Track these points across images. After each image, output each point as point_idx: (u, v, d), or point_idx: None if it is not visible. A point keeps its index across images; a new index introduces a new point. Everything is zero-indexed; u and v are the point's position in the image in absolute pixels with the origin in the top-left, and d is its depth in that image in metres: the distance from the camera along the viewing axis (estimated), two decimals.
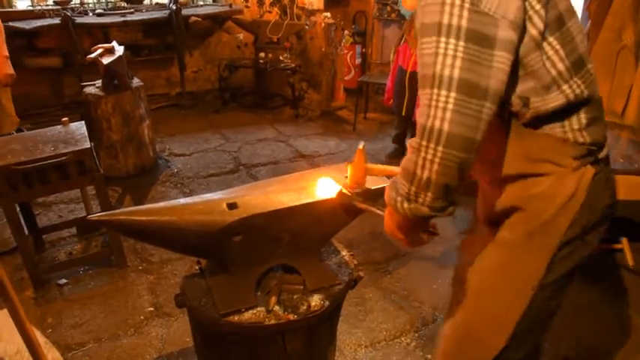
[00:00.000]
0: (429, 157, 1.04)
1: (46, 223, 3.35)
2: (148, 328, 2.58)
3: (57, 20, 4.87)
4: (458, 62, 1.00)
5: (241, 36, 5.96)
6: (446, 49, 1.01)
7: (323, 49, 5.53)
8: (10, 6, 5.18)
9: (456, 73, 1.00)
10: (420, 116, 1.07)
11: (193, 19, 5.62)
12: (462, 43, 1.00)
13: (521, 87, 1.14)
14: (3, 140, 2.74)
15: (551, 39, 1.12)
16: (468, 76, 1.00)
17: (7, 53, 3.23)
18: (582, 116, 1.17)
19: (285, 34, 5.59)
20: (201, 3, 6.02)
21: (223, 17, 5.87)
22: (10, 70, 3.25)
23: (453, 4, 1.00)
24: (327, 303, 1.60)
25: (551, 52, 1.12)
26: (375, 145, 4.87)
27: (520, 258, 1.27)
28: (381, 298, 2.81)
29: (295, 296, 1.62)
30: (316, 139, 5.08)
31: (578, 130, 1.17)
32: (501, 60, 1.02)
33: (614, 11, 3.51)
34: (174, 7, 5.31)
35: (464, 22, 1.00)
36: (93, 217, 1.45)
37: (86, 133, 2.79)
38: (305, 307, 1.58)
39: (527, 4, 1.07)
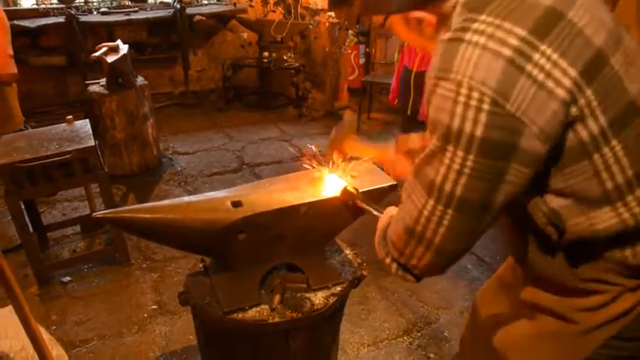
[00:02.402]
0: (416, 257, 1.00)
1: (50, 221, 3.37)
2: (151, 326, 2.59)
3: (61, 19, 4.89)
4: (462, 179, 0.87)
5: (245, 35, 5.96)
6: (452, 160, 0.87)
7: (327, 49, 5.52)
8: (15, 4, 5.20)
9: (458, 191, 0.88)
10: (408, 215, 0.98)
11: (198, 18, 5.63)
12: (471, 157, 0.85)
13: (553, 203, 0.95)
14: (8, 138, 2.75)
15: (614, 142, 0.87)
16: (471, 196, 0.88)
17: (11, 52, 3.22)
18: None
19: (289, 33, 5.59)
20: (206, 2, 6.03)
21: (227, 16, 5.88)
22: (13, 70, 3.24)
23: (467, 104, 0.82)
24: (330, 302, 1.61)
25: (611, 160, 0.88)
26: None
27: (542, 353, 1.13)
28: (383, 298, 2.81)
29: (299, 295, 1.62)
30: (320, 139, 5.08)
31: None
32: (517, 174, 0.86)
33: (618, 13, 3.50)
34: (178, 6, 5.32)
35: (478, 131, 0.82)
36: (97, 214, 1.46)
37: (90, 132, 2.80)
38: (308, 306, 1.58)
39: (580, 101, 0.84)
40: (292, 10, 5.67)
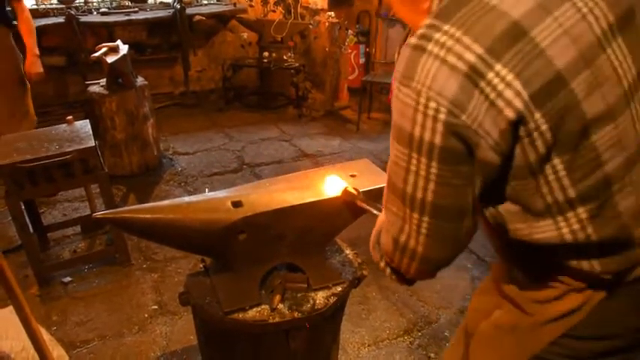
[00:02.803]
0: (405, 265, 1.02)
1: (50, 221, 3.37)
2: (152, 326, 2.59)
3: (61, 19, 4.89)
4: (431, 186, 0.89)
5: (245, 35, 5.96)
6: (418, 167, 0.89)
7: (327, 49, 5.52)
8: None
9: (429, 197, 0.90)
10: (391, 225, 1.00)
11: (197, 18, 5.63)
12: (434, 164, 0.87)
13: (499, 207, 0.97)
14: (8, 138, 2.75)
15: (556, 161, 0.88)
16: (443, 202, 0.90)
17: (37, 52, 3.28)
18: (593, 252, 0.95)
19: (289, 33, 5.59)
20: (206, 2, 6.03)
21: (227, 16, 5.88)
22: (40, 69, 3.30)
23: (425, 113, 0.85)
24: (330, 301, 1.61)
25: (551, 177, 0.90)
26: (379, 145, 4.87)
27: (500, 344, 1.15)
28: (384, 297, 2.81)
29: (299, 294, 1.62)
30: (320, 139, 5.08)
31: (585, 260, 0.95)
32: (476, 179, 0.90)
33: None
34: (178, 6, 5.32)
35: (437, 139, 0.85)
36: (98, 214, 1.46)
37: (90, 132, 2.80)
38: (309, 306, 1.58)
39: (529, 124, 0.84)
40: (292, 10, 5.67)
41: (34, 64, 3.23)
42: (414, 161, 0.89)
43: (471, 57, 0.82)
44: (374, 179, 1.66)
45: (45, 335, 1.74)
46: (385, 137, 5.10)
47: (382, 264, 1.11)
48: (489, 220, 1.01)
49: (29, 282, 2.86)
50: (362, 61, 5.86)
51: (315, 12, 5.60)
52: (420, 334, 2.56)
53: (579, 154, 0.89)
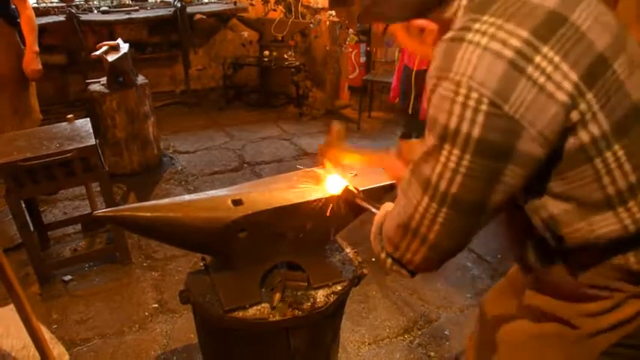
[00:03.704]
0: (411, 251, 1.01)
1: (51, 220, 3.37)
2: (152, 325, 2.59)
3: (62, 17, 4.89)
4: (458, 178, 0.87)
5: (246, 34, 5.96)
6: (448, 159, 0.87)
7: (327, 48, 5.52)
8: None
9: (453, 189, 0.88)
10: (403, 211, 0.98)
11: (198, 16, 5.63)
12: (467, 157, 0.85)
13: (551, 208, 0.93)
14: (9, 137, 2.75)
15: (616, 147, 0.86)
16: (466, 195, 0.88)
17: (37, 49, 3.29)
18: None
19: (290, 32, 5.58)
20: (206, 1, 6.03)
21: (228, 15, 5.87)
22: (39, 66, 3.31)
23: (465, 104, 0.82)
24: (331, 300, 1.61)
25: (613, 165, 0.87)
26: (380, 144, 4.87)
27: (543, 355, 1.12)
28: (384, 296, 2.81)
29: (299, 293, 1.62)
30: (320, 138, 5.08)
31: None
32: (513, 176, 0.86)
33: (619, 10, 3.50)
34: (179, 5, 5.32)
35: (475, 131, 0.83)
36: (99, 212, 1.46)
37: (91, 130, 2.80)
38: (309, 304, 1.58)
39: (580, 105, 0.83)
40: (293, 9, 5.67)
41: (32, 61, 3.24)
42: (445, 153, 0.87)
43: (516, 42, 0.81)
44: (374, 178, 1.66)
45: (45, 333, 1.74)
46: (386, 136, 5.11)
47: (383, 255, 1.10)
48: (539, 228, 0.97)
49: (30, 280, 2.86)
50: (362, 60, 5.86)
51: (316, 11, 5.59)
52: (420, 332, 2.56)
53: (635, 137, 0.88)
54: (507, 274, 1.44)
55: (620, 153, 0.87)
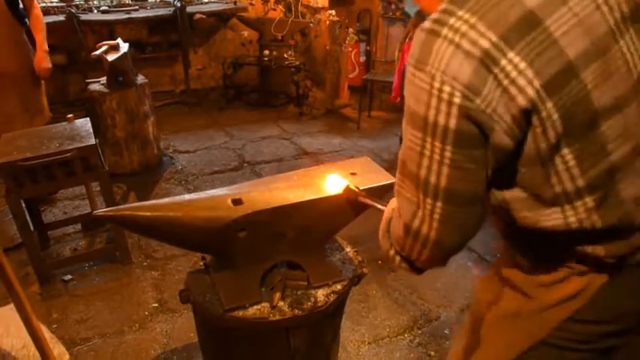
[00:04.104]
0: (416, 252, 1.02)
1: (51, 220, 3.37)
2: (152, 324, 2.59)
3: (62, 17, 4.89)
4: (444, 170, 0.89)
5: (246, 33, 5.96)
6: (432, 151, 0.89)
7: (327, 47, 5.52)
8: None
9: (443, 182, 0.90)
10: (404, 211, 0.99)
11: (198, 16, 5.63)
12: (449, 148, 0.87)
13: (507, 193, 0.97)
14: (9, 136, 2.75)
15: (565, 151, 0.89)
16: (456, 187, 0.90)
17: (47, 48, 3.32)
18: (597, 237, 0.96)
19: (290, 31, 5.58)
20: (206, 0, 6.03)
21: (228, 15, 5.87)
22: (49, 64, 3.34)
23: (440, 97, 0.85)
24: (331, 299, 1.61)
25: (561, 167, 0.91)
26: (379, 144, 4.87)
27: (507, 331, 1.16)
28: (384, 295, 2.81)
29: (299, 292, 1.63)
30: (320, 137, 5.08)
31: (589, 245, 0.97)
32: (494, 162, 0.90)
33: None
34: (178, 5, 5.32)
35: (452, 123, 0.85)
36: (99, 212, 1.46)
37: (91, 130, 2.80)
38: (309, 303, 1.58)
39: (541, 112, 0.85)
40: (293, 9, 5.67)
41: (43, 60, 3.29)
42: (428, 145, 0.89)
43: (485, 43, 0.83)
44: (374, 177, 1.66)
45: (46, 333, 1.74)
46: (386, 135, 5.10)
47: (392, 252, 1.11)
48: (495, 206, 1.01)
49: (30, 280, 2.86)
50: (362, 59, 5.86)
51: (316, 10, 5.59)
52: (420, 332, 2.56)
53: (588, 144, 0.90)
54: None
55: (569, 157, 0.90)
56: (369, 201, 1.47)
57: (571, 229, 0.94)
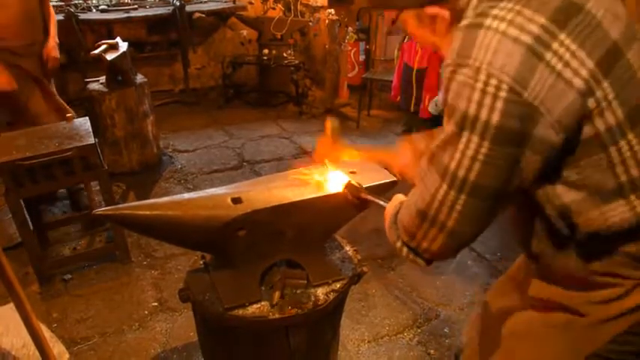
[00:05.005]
0: (428, 239, 1.01)
1: (50, 219, 3.37)
2: (152, 323, 2.59)
3: (60, 16, 4.86)
4: (476, 166, 0.87)
5: (245, 32, 5.95)
6: (466, 146, 0.87)
7: (327, 46, 5.52)
8: None
9: (472, 176, 0.88)
10: (421, 199, 0.98)
11: (197, 15, 5.63)
12: (486, 144, 0.85)
13: (564, 197, 0.93)
14: (8, 136, 2.75)
15: (630, 136, 0.87)
16: (484, 182, 0.89)
17: (57, 40, 3.32)
18: None
19: (289, 30, 5.58)
20: None
21: (227, 13, 5.87)
22: (58, 55, 3.35)
23: (484, 91, 0.82)
24: (330, 298, 1.61)
25: (628, 154, 0.88)
26: (379, 143, 4.88)
27: (552, 343, 1.12)
28: (384, 294, 2.82)
29: (299, 291, 1.63)
30: (320, 136, 5.07)
31: None
32: (530, 162, 0.87)
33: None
34: (178, 4, 5.31)
35: (494, 118, 0.83)
36: (98, 211, 1.46)
37: (90, 129, 2.80)
38: (309, 302, 1.58)
39: (596, 93, 0.84)
40: (292, 8, 5.67)
41: (53, 49, 3.30)
42: (464, 140, 0.87)
43: (534, 28, 0.82)
44: (374, 176, 1.66)
45: (45, 332, 1.74)
46: (385, 134, 5.10)
47: (399, 244, 1.10)
48: (552, 217, 0.98)
49: (30, 279, 2.86)
50: (362, 58, 5.86)
51: (315, 9, 5.59)
52: (419, 330, 2.57)
53: None
54: (508, 270, 1.44)
55: (635, 142, 0.88)
56: (371, 197, 1.47)
57: None
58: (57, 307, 2.69)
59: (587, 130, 0.87)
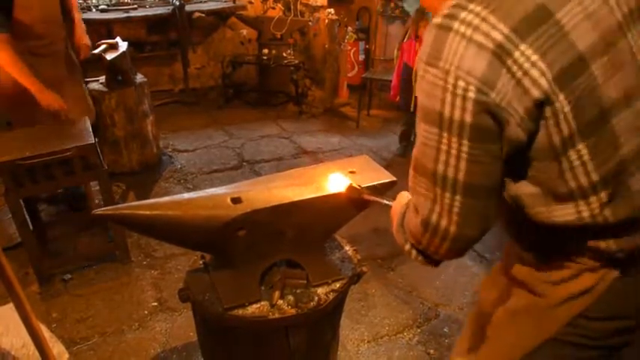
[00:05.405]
0: (434, 246, 1.01)
1: (50, 219, 3.36)
2: (152, 323, 2.59)
3: None
4: (462, 164, 0.89)
5: (245, 32, 5.95)
6: (449, 146, 0.89)
7: (326, 46, 5.52)
8: None
9: (461, 176, 0.90)
10: (420, 207, 0.99)
11: (197, 15, 5.62)
12: (465, 142, 0.87)
13: (520, 188, 0.97)
14: (8, 136, 2.75)
15: (580, 146, 0.89)
16: (474, 180, 0.90)
17: (84, 26, 3.31)
18: (609, 232, 0.96)
19: (289, 30, 5.58)
20: None
21: (227, 13, 5.86)
22: (89, 42, 3.32)
23: (454, 93, 0.85)
24: (330, 298, 1.61)
25: (576, 163, 0.90)
26: (379, 142, 4.88)
27: (517, 328, 1.16)
28: (384, 294, 2.82)
29: (299, 291, 1.63)
30: (319, 136, 5.08)
31: (602, 240, 0.97)
32: (508, 154, 0.91)
33: None
34: (177, 3, 5.31)
35: (467, 118, 0.85)
36: (98, 211, 1.46)
37: (90, 129, 2.79)
38: (308, 302, 1.58)
39: (554, 104, 0.85)
40: (292, 7, 5.67)
41: (84, 36, 3.27)
42: (445, 140, 0.89)
43: (497, 35, 0.83)
44: (374, 176, 1.66)
45: (45, 332, 1.74)
46: (385, 134, 5.10)
47: (407, 246, 1.11)
48: (508, 201, 1.01)
49: (29, 279, 2.86)
50: (361, 58, 5.86)
51: (315, 9, 5.59)
52: (419, 330, 2.57)
53: (600, 138, 0.90)
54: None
55: (584, 152, 0.90)
56: (373, 197, 1.47)
57: (584, 223, 0.94)
58: (56, 307, 2.69)
59: (541, 137, 0.89)
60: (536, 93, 0.84)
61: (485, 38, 0.84)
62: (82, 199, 3.38)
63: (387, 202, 1.40)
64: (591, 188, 0.92)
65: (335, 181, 1.57)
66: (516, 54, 0.83)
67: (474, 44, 0.84)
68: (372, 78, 5.30)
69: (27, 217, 2.75)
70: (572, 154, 0.90)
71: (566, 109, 0.86)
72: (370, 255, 3.11)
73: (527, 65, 0.84)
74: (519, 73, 0.84)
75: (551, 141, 0.88)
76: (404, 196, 1.27)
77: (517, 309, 1.14)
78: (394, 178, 1.67)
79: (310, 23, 5.61)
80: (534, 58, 0.84)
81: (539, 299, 1.08)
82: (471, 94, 0.84)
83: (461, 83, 0.84)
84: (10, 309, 1.73)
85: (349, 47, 5.67)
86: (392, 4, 5.49)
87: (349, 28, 5.52)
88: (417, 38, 3.96)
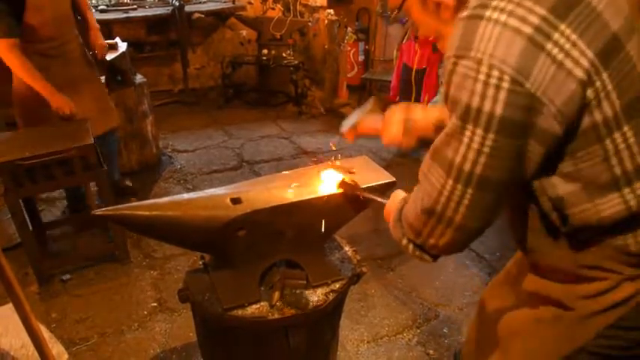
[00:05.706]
0: (436, 236, 1.00)
1: (50, 219, 3.37)
2: (151, 323, 2.59)
3: None
4: (482, 159, 0.87)
5: (244, 33, 5.95)
6: (471, 140, 0.87)
7: (326, 46, 5.52)
8: None
9: (478, 170, 0.88)
10: (426, 196, 0.98)
11: (196, 15, 5.63)
12: (490, 136, 0.85)
13: (560, 188, 0.94)
14: (7, 136, 2.75)
15: (625, 128, 0.87)
16: (491, 174, 0.89)
17: (98, 25, 3.28)
18: None
19: (289, 30, 5.58)
20: None
21: (226, 14, 5.87)
22: (105, 42, 3.30)
23: (487, 83, 0.82)
24: (329, 298, 1.61)
25: (622, 146, 0.88)
26: (378, 143, 4.84)
27: (541, 338, 1.13)
28: (383, 294, 2.82)
29: (298, 291, 1.63)
30: (319, 136, 5.08)
31: None
32: (534, 152, 0.88)
33: None
34: (177, 4, 5.31)
35: (497, 110, 0.82)
36: (97, 211, 1.46)
37: (90, 129, 2.79)
38: (308, 302, 1.58)
39: (596, 83, 0.84)
40: (291, 8, 5.67)
41: (99, 37, 3.24)
42: (468, 133, 0.87)
43: (534, 19, 0.82)
44: (373, 176, 1.66)
45: (44, 332, 1.74)
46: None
47: (404, 241, 1.10)
48: (545, 208, 0.98)
49: (29, 280, 2.86)
50: (361, 58, 5.85)
51: (315, 9, 5.59)
52: (419, 330, 2.57)
53: None
54: (505, 268, 1.45)
55: (630, 134, 0.88)
56: (369, 195, 1.47)
57: (632, 212, 0.92)
58: (56, 308, 2.69)
59: (585, 121, 0.87)
60: (579, 73, 0.82)
61: (522, 23, 0.81)
62: (82, 199, 3.38)
63: (381, 200, 1.40)
64: (636, 172, 0.90)
65: (330, 179, 1.57)
66: (556, 35, 0.82)
67: (509, 30, 0.81)
68: (371, 78, 5.30)
69: (26, 217, 2.75)
70: (618, 137, 0.88)
71: (609, 87, 0.85)
72: (370, 255, 3.11)
73: (568, 46, 0.82)
74: (560, 56, 0.82)
75: (595, 123, 0.86)
76: (399, 195, 1.27)
77: (541, 318, 1.12)
78: (393, 179, 1.67)
79: (310, 24, 5.61)
80: (574, 37, 0.82)
81: (568, 312, 1.05)
82: (505, 84, 0.81)
83: (495, 73, 0.81)
84: (9, 309, 1.73)
85: (349, 48, 5.67)
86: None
87: (349, 29, 5.51)
88: (417, 39, 3.97)
